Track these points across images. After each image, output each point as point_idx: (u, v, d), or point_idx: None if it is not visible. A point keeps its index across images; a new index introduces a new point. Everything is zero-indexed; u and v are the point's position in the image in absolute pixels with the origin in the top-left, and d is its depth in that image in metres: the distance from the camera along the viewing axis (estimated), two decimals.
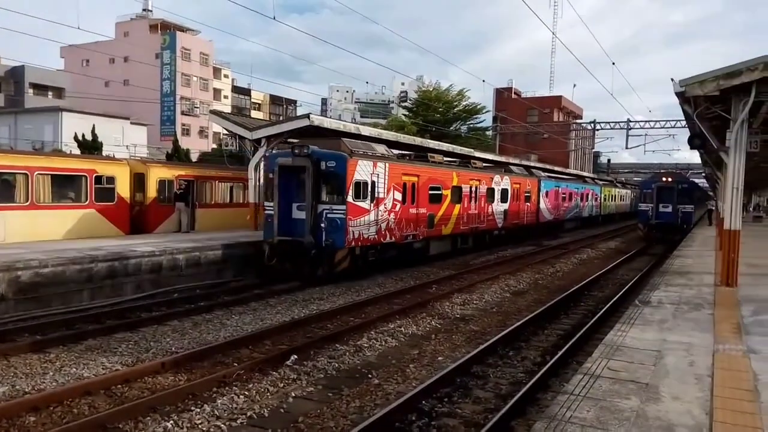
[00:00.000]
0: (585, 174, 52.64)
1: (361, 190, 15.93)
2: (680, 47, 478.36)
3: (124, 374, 7.95)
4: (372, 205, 16.42)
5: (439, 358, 9.32)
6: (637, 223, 33.24)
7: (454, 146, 30.24)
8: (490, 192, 25.00)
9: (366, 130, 23.65)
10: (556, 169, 41.09)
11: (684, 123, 18.18)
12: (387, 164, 17.27)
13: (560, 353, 9.10)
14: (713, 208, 43.85)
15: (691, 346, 7.16)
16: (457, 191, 21.79)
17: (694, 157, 44.18)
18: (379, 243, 17.00)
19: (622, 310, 11.07)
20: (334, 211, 15.35)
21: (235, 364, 8.53)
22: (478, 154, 28.85)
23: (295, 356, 8.85)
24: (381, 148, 18.21)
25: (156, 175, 19.18)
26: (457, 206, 21.88)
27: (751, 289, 11.41)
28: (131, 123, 52.96)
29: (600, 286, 16.86)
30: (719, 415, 4.95)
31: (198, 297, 13.71)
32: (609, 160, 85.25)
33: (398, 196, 17.81)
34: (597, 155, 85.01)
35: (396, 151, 20.79)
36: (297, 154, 15.32)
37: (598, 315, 11.97)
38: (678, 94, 11.46)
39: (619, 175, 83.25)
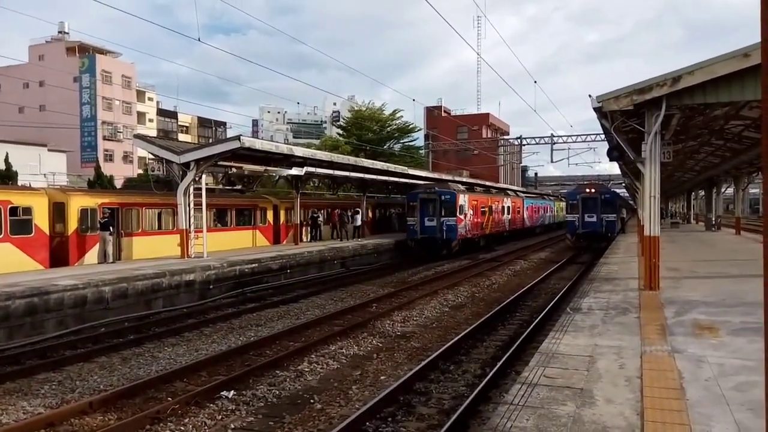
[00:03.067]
0: (544, 192, 66.93)
1: (461, 209, 29.32)
2: (596, 65, 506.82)
3: (47, 417, 7.42)
4: (464, 217, 29.85)
5: (382, 378, 9.27)
6: (566, 233, 34.59)
7: (388, 164, 31.10)
8: (502, 208, 38.64)
9: (299, 151, 23.55)
10: (530, 191, 58.59)
11: (603, 137, 19.17)
12: (468, 195, 31.34)
13: (499, 365, 9.27)
14: (624, 216, 47.05)
15: (621, 350, 7.45)
16: (489, 208, 35.44)
17: (614, 168, 46.76)
18: (465, 237, 30.36)
19: (555, 318, 11.42)
20: (450, 221, 28.69)
21: (169, 399, 8.15)
22: (490, 184, 44.36)
23: (234, 392, 8.55)
24: (461, 186, 32.86)
25: (77, 203, 18.25)
26: (490, 217, 35.42)
27: (673, 292, 12.05)
28: (49, 150, 50.36)
29: (534, 296, 17.36)
30: (649, 414, 5.15)
31: (127, 330, 13.08)
32: (536, 174, 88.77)
33: (471, 212, 31.23)
34: (525, 169, 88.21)
35: (463, 186, 34.14)
36: (429, 192, 29.35)
37: (533, 324, 12.31)
38: (596, 110, 12.06)
39: (546, 187, 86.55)
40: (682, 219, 54.29)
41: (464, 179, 36.43)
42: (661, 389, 5.81)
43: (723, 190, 38.65)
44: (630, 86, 11.32)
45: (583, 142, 53.83)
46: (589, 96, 12.03)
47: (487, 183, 43.56)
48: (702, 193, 46.37)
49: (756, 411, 5.08)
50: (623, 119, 12.46)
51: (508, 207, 40.11)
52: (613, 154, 15.20)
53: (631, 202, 58.37)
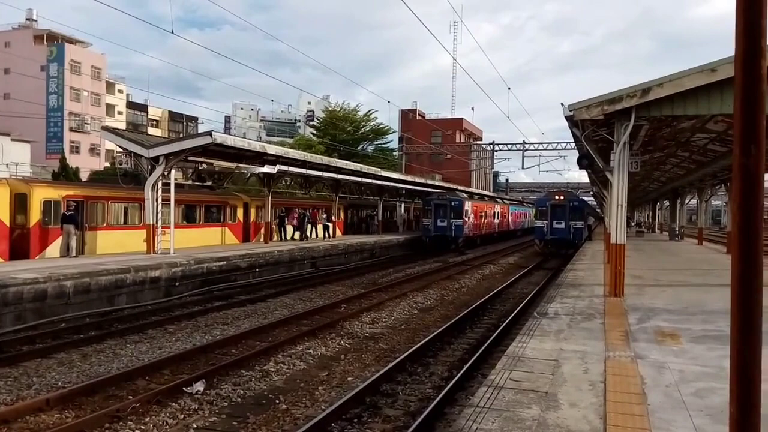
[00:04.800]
0: (523, 200, 72.91)
1: (466, 213, 35.87)
2: (569, 75, 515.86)
3: (1, 414, 7.16)
4: (468, 219, 36.50)
5: (349, 379, 9.22)
6: (534, 239, 35.08)
7: (362, 165, 31.06)
8: (493, 213, 45.80)
9: (272, 149, 23.34)
10: (512, 199, 66.99)
11: (573, 145, 19.51)
12: (471, 202, 38.72)
13: (465, 367, 9.30)
14: (591, 224, 48.85)
15: (585, 354, 7.56)
16: (485, 213, 42.40)
17: (583, 176, 47.61)
18: (468, 236, 36.99)
19: (522, 322, 11.53)
20: (458, 222, 35.14)
21: (130, 397, 7.96)
22: (484, 192, 53.93)
23: (203, 381, 8.40)
24: (465, 195, 39.67)
25: (40, 195, 17.72)
26: (485, 220, 42.47)
27: (637, 299, 12.30)
28: (12, 140, 48.89)
29: (502, 300, 17.51)
30: (612, 418, 5.23)
31: (88, 326, 12.74)
32: (507, 180, 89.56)
33: (472, 216, 38.20)
34: (496, 175, 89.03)
35: (466, 194, 41.91)
36: (442, 198, 35.96)
37: (501, 328, 12.41)
38: (567, 118, 12.25)
39: (517, 193, 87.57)
40: (647, 228, 55.53)
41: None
42: (624, 394, 5.91)
43: (687, 201, 39.72)
44: (601, 96, 11.53)
45: (553, 149, 54.73)
46: (562, 104, 12.23)
47: (482, 192, 52.93)
48: (667, 203, 47.54)
49: (714, 417, 5.21)
50: (594, 128, 12.68)
51: (498, 212, 47.66)
52: (583, 162, 15.44)
53: (599, 211, 59.52)
